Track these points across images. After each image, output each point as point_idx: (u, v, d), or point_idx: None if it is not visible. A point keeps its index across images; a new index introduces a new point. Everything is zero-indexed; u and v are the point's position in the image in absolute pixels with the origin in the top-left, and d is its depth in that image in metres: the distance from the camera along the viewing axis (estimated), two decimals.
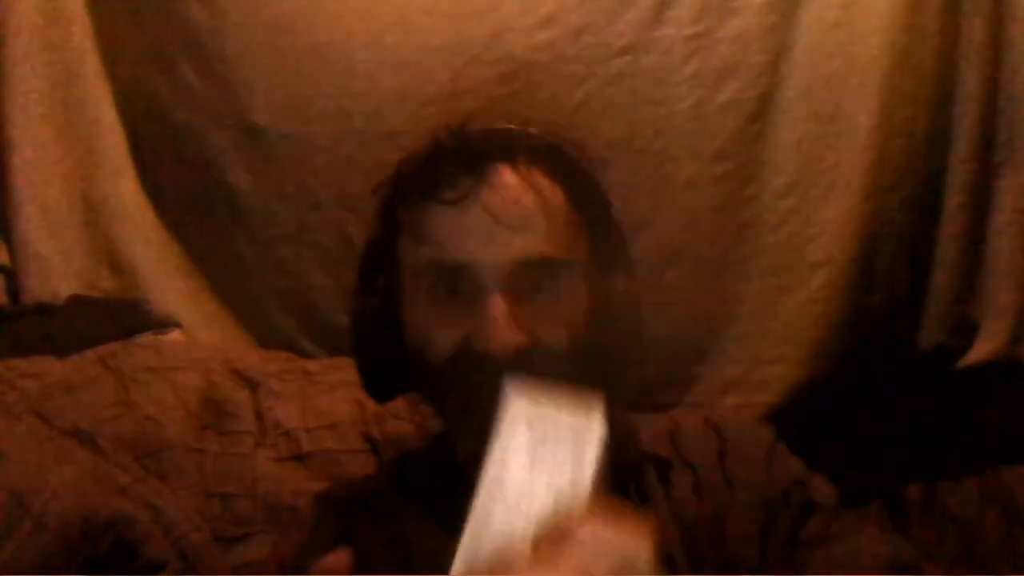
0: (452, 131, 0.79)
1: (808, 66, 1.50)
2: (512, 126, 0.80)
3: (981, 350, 1.47)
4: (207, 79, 1.55)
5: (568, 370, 0.70)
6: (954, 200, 1.49)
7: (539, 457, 0.51)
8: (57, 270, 1.53)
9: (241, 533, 1.17)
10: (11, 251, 1.52)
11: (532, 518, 0.49)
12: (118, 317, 1.49)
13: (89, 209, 1.57)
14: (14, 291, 1.52)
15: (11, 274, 1.52)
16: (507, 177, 0.74)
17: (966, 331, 1.49)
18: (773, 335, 1.52)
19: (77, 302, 1.50)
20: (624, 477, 0.79)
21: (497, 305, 0.71)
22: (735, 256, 1.54)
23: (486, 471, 0.52)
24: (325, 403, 1.30)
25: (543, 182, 0.75)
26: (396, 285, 0.79)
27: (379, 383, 0.83)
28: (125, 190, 1.58)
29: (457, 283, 0.73)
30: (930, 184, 1.51)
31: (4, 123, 1.52)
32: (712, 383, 1.54)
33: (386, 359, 0.80)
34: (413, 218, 0.75)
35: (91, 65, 1.57)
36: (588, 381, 0.71)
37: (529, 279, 0.73)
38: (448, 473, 0.79)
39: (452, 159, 0.75)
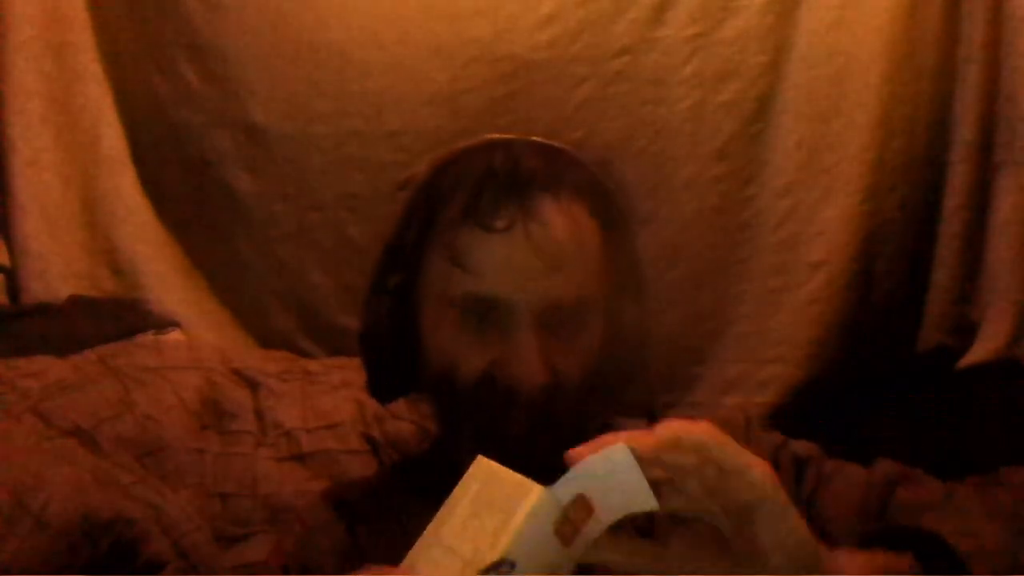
0: (500, 147, 0.77)
1: (808, 66, 1.50)
2: (558, 145, 0.79)
3: (981, 350, 1.47)
4: (207, 79, 1.56)
5: (579, 395, 0.73)
6: (954, 200, 1.49)
7: (476, 512, 0.58)
8: (57, 270, 1.53)
9: (241, 533, 1.17)
10: (11, 251, 1.52)
11: (458, 560, 0.57)
12: (118, 317, 1.49)
13: (89, 209, 1.57)
14: (14, 291, 1.52)
15: (11, 274, 1.52)
16: (551, 212, 0.74)
17: (966, 331, 1.49)
18: (773, 335, 1.52)
19: (77, 302, 1.50)
20: None
21: (529, 344, 0.72)
22: (735, 256, 1.54)
23: (440, 510, 0.59)
24: (325, 403, 1.30)
25: (583, 219, 0.76)
26: (414, 287, 0.79)
27: (385, 385, 0.82)
28: (125, 190, 1.58)
29: (488, 313, 0.73)
30: (930, 184, 1.51)
31: (4, 123, 1.52)
32: (712, 383, 1.54)
33: (395, 362, 0.80)
34: (451, 238, 0.74)
35: (91, 65, 1.57)
36: (595, 400, 0.75)
37: (558, 317, 0.73)
38: (451, 474, 0.79)
39: (500, 185, 0.74)
